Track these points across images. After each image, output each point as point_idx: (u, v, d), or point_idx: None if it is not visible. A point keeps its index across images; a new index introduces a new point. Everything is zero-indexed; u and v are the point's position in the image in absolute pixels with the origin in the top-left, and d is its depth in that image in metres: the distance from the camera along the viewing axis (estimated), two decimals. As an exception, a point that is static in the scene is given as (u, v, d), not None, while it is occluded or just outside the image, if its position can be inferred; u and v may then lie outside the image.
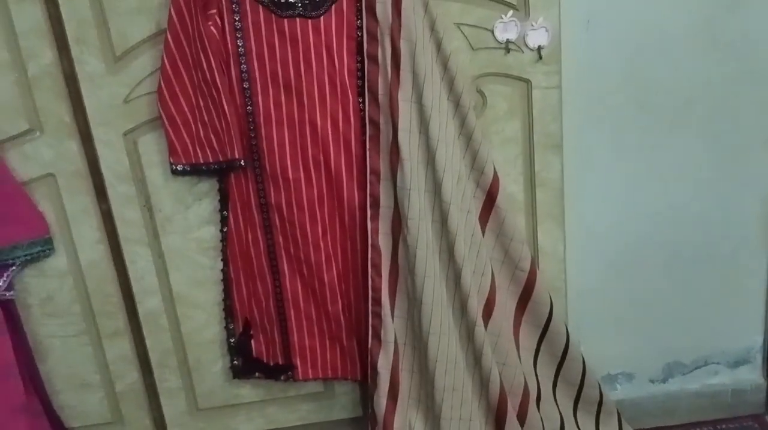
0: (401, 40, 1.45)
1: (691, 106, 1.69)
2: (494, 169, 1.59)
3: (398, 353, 1.61)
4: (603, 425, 1.79)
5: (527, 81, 1.61)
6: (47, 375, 1.72)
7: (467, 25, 1.55)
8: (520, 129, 1.65)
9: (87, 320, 1.71)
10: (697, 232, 1.80)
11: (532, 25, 1.56)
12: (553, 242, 1.73)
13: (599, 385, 1.78)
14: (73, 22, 1.47)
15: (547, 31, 1.56)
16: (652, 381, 1.93)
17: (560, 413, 1.76)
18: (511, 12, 1.55)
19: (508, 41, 1.57)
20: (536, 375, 1.74)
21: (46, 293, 1.67)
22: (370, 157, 1.53)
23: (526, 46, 1.57)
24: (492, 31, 1.56)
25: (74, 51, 1.49)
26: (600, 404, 1.78)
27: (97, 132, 1.56)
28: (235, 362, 1.74)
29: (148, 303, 1.70)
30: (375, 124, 1.51)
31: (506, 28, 1.56)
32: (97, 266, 1.66)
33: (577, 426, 1.77)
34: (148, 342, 1.74)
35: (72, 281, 1.67)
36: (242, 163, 1.51)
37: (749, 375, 1.93)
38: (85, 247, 1.64)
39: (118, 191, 1.61)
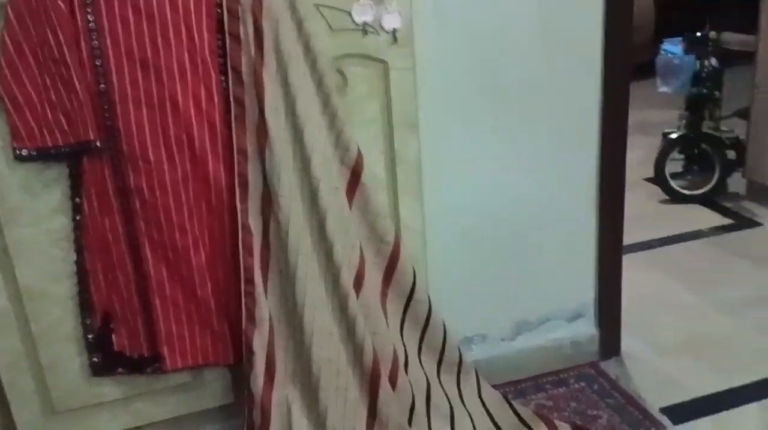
0: (263, 19, 1.46)
1: (530, 90, 1.86)
2: (358, 148, 1.65)
3: (273, 332, 1.62)
4: (463, 383, 1.92)
5: (384, 62, 1.68)
6: None
7: (326, 6, 1.59)
8: (380, 109, 1.72)
9: None
10: (537, 203, 1.99)
11: (387, 9, 1.63)
12: (413, 216, 1.83)
13: (458, 348, 1.91)
14: None
15: (400, 14, 1.64)
16: (503, 340, 2.10)
17: (426, 376, 1.86)
18: (367, -5, 1.61)
19: (365, 23, 1.63)
20: (403, 342, 1.83)
21: None
22: (236, 136, 1.52)
23: (382, 28, 1.65)
24: (350, 13, 1.61)
25: None
26: (460, 364, 1.91)
27: (-75, 116, 1.41)
28: (95, 358, 1.66)
29: (-7, 303, 1.57)
30: (240, 103, 1.51)
31: (363, 11, 1.62)
32: (-71, 266, 1.51)
33: (441, 387, 1.89)
34: (-5, 345, 1.60)
35: None
36: (98, 143, 1.44)
37: (584, 328, 2.16)
38: None
39: (-47, 181, 1.46)
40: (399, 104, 1.72)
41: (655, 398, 2.00)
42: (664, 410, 1.95)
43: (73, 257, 1.58)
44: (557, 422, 1.88)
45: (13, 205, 1.52)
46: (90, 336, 1.63)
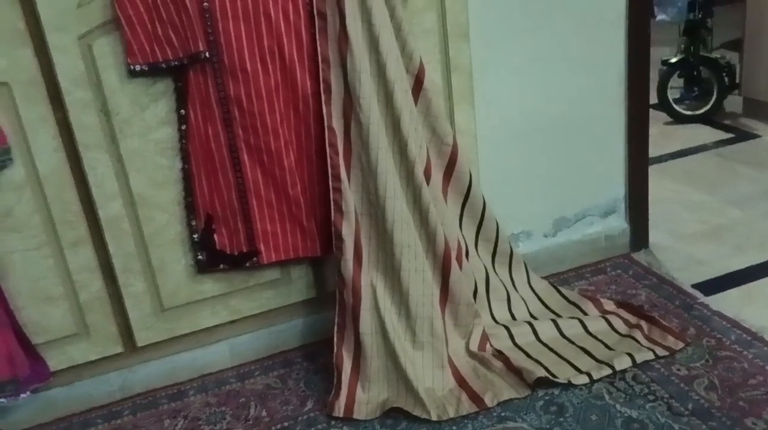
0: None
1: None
2: (420, 58, 1.85)
3: (358, 222, 1.83)
4: (515, 273, 2.16)
5: (444, -23, 1.87)
6: (9, 293, 1.72)
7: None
8: (436, 21, 1.91)
9: (47, 231, 1.73)
10: (571, 103, 2.20)
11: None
12: (467, 120, 2.04)
13: (509, 241, 2.14)
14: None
15: None
16: (545, 236, 2.33)
17: (484, 265, 2.09)
18: None
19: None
20: (462, 235, 2.05)
21: (5, 208, 1.67)
22: (320, 46, 1.71)
23: None
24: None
25: (26, -45, 1.51)
26: (511, 256, 2.14)
27: (51, 38, 1.59)
28: (200, 257, 1.86)
29: (110, 208, 1.76)
30: (322, 16, 1.70)
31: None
32: (55, 175, 1.69)
33: (497, 275, 2.12)
34: (111, 248, 1.79)
35: (30, 192, 1.69)
36: (207, 54, 1.63)
37: (617, 222, 2.40)
38: (43, 156, 1.67)
39: (75, 97, 1.65)
40: (452, 15, 1.91)
41: (686, 277, 2.24)
42: (696, 286, 2.19)
43: (179, 164, 1.77)
44: (602, 300, 2.12)
45: (124, 118, 1.71)
46: (195, 236, 1.83)
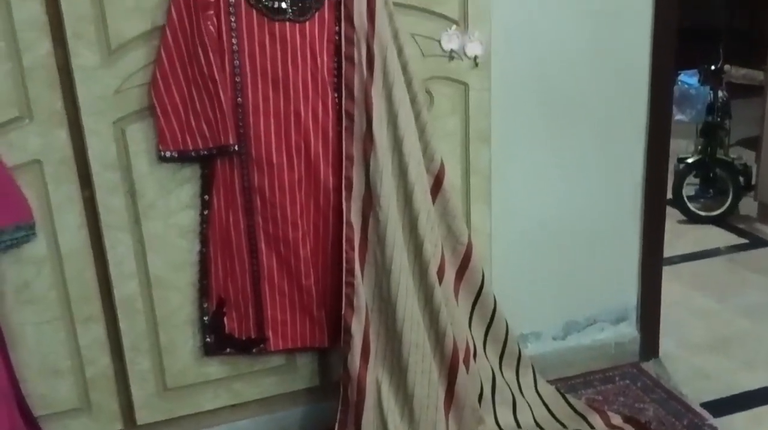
0: (374, 45, 1.71)
1: (581, 104, 2.12)
2: (441, 158, 1.90)
3: (368, 318, 1.84)
4: (522, 376, 2.14)
5: (465, 84, 1.93)
6: (17, 363, 1.73)
7: (420, 35, 1.85)
8: (459, 125, 1.97)
9: (62, 305, 1.75)
10: (586, 209, 2.23)
11: (470, 38, 1.89)
12: (483, 220, 2.06)
13: (518, 343, 2.13)
14: (72, 18, 1.56)
15: (481, 43, 1.90)
16: (554, 338, 2.32)
17: (491, 366, 2.08)
18: (454, 26, 1.87)
19: (451, 50, 1.88)
20: (471, 335, 2.05)
21: (23, 280, 1.70)
22: (345, 144, 1.76)
23: (465, 54, 1.90)
24: (439, 42, 1.87)
25: (71, 44, 1.58)
26: (519, 358, 2.13)
27: (87, 121, 1.64)
28: (208, 339, 1.87)
29: (126, 287, 1.78)
30: (350, 116, 1.75)
31: (450, 40, 1.87)
32: (76, 252, 1.73)
33: (504, 377, 2.10)
34: (123, 326, 1.81)
35: (50, 268, 1.71)
36: (236, 147, 1.68)
37: (627, 330, 2.39)
38: (66, 233, 1.70)
39: (103, 178, 1.69)
40: (475, 120, 1.97)
41: (695, 394, 2.21)
42: (704, 405, 2.16)
43: (197, 247, 1.80)
44: (609, 413, 2.10)
45: (150, 201, 1.75)
46: (205, 319, 1.85)
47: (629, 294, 2.36)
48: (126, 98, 1.66)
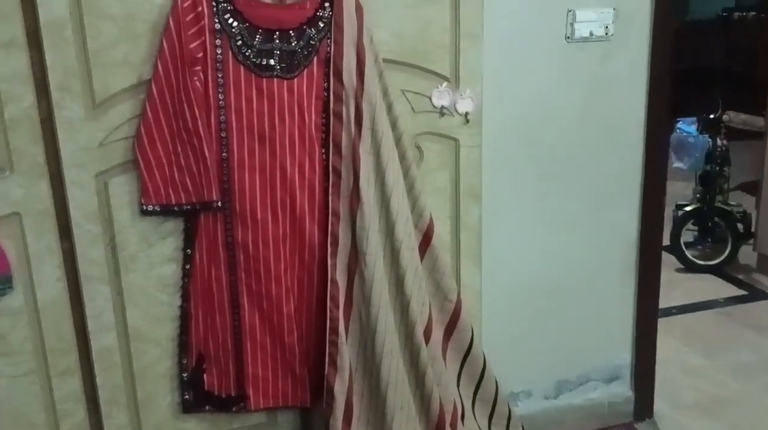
0: (363, 102, 1.69)
1: (573, 161, 2.10)
2: (430, 214, 1.87)
3: (351, 378, 1.79)
4: (511, 437, 2.08)
5: (456, 140, 1.91)
6: (-11, 418, 1.69)
7: (411, 91, 1.83)
8: (449, 180, 1.94)
9: (38, 358, 1.71)
10: (579, 266, 2.19)
11: (461, 95, 1.87)
12: (472, 277, 2.03)
13: (508, 402, 2.08)
14: (57, 71, 1.55)
15: (472, 100, 1.88)
16: (546, 397, 2.27)
17: (479, 428, 2.02)
18: (445, 83, 1.85)
19: (442, 107, 1.87)
20: (459, 394, 2.00)
21: (-2, 333, 1.66)
22: (332, 201, 1.73)
23: (456, 111, 1.88)
24: (430, 98, 1.85)
25: (55, 97, 1.56)
26: (509, 418, 2.07)
27: (69, 173, 1.62)
28: (186, 396, 1.82)
29: (103, 340, 1.74)
30: (337, 173, 1.73)
31: (441, 96, 1.86)
32: (54, 304, 1.69)
33: (492, 438, 2.05)
34: (99, 379, 1.76)
35: (26, 320, 1.67)
36: (219, 203, 1.65)
37: (621, 389, 2.34)
38: (44, 285, 1.67)
39: (84, 230, 1.66)
40: (466, 176, 1.94)
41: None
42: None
43: (178, 301, 1.76)
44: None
45: (131, 253, 1.71)
46: (184, 375, 1.80)
47: (623, 352, 2.32)
48: (110, 151, 1.64)
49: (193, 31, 1.58)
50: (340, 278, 1.78)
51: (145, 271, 1.74)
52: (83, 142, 1.61)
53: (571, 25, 1.96)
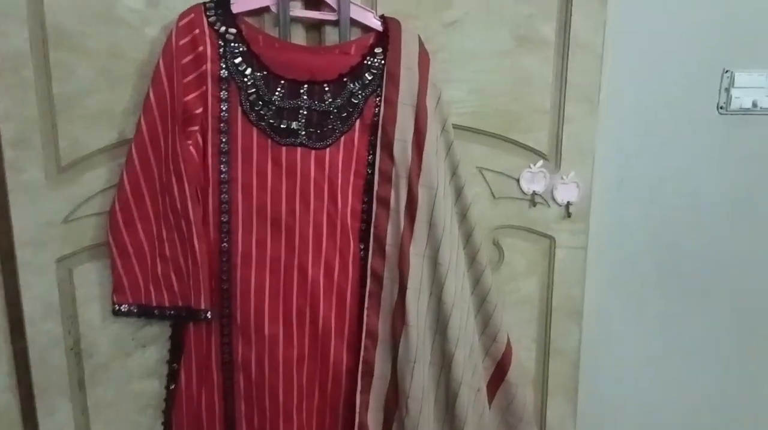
0: (419, 186, 1.21)
1: (720, 278, 1.51)
2: (507, 337, 1.35)
3: None
4: None
5: (551, 238, 1.39)
6: None
7: (491, 170, 1.34)
8: (538, 290, 1.42)
9: (-25, 487, 1.31)
10: (720, 418, 1.59)
11: (563, 179, 1.35)
12: (564, 421, 1.48)
13: None
14: (13, 121, 1.16)
15: (578, 186, 1.36)
16: None
17: None
18: (540, 162, 1.35)
19: (534, 193, 1.36)
20: None
21: (-75, 453, 1.28)
22: (368, 316, 1.25)
23: (554, 200, 1.37)
24: (518, 181, 1.35)
25: (8, 156, 1.18)
26: None
27: (24, 255, 1.23)
28: None
29: (60, 468, 1.33)
30: (377, 278, 1.24)
31: (534, 179, 1.35)
32: (1, 417, 1.29)
33: None
34: None
35: (-37, 438, 1.29)
36: (208, 315, 1.20)
37: None
38: (-13, 395, 1.28)
39: (41, 330, 1.26)
40: (562, 286, 1.42)
41: None
42: None
43: (159, 428, 1.33)
44: None
45: (100, 362, 1.30)
46: None
47: None
48: (77, 229, 1.24)
49: (190, 78, 1.16)
50: (373, 418, 1.29)
51: (119, 385, 1.32)
52: (43, 217, 1.22)
53: (727, 91, 1.40)
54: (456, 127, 1.27)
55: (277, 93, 1.17)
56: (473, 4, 1.26)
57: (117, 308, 1.24)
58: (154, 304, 1.23)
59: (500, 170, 1.34)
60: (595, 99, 1.32)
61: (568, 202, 1.37)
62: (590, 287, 1.44)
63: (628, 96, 1.39)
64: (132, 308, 1.24)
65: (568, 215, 1.37)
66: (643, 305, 1.50)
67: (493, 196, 1.35)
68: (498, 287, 1.36)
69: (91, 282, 1.26)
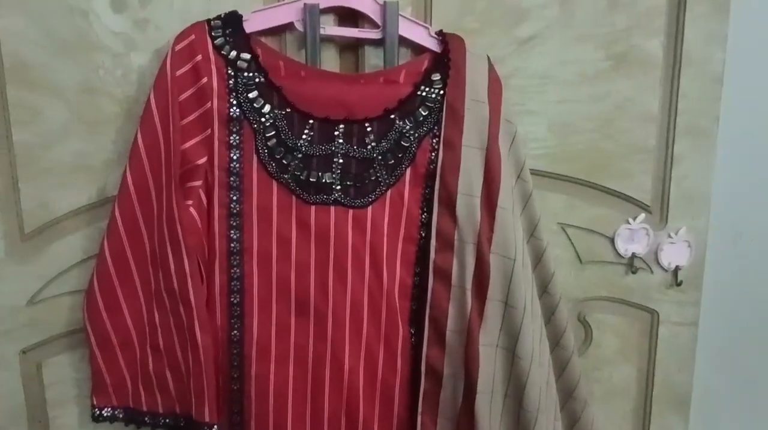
0: (492, 254, 0.91)
1: None
2: (597, 438, 1.04)
3: None
4: None
5: (653, 312, 1.09)
6: None
7: (576, 227, 1.04)
8: (635, 377, 1.12)
9: None
10: None
11: (671, 236, 1.05)
12: None
13: None
14: (-38, 178, 0.90)
15: (689, 245, 1.06)
16: None
17: None
18: (642, 216, 1.05)
19: (633, 255, 1.06)
20: None
21: None
22: (422, 423, 0.96)
23: (658, 264, 1.07)
24: (612, 240, 1.05)
25: (-43, 223, 0.91)
26: None
27: (-21, 346, 0.95)
28: None
29: None
30: (436, 376, 0.95)
31: (633, 237, 1.05)
32: None
33: None
34: None
35: None
36: (215, 429, 0.91)
37: None
38: None
39: (3, 438, 0.99)
40: (666, 372, 1.12)
41: None
42: None
43: None
44: None
45: (80, 478, 1.02)
46: None
47: None
48: (46, 313, 0.97)
49: (191, 119, 0.88)
50: None
51: None
52: (3, 298, 0.95)
53: None
54: (533, 173, 0.98)
55: (304, 136, 0.89)
56: (555, 14, 0.98)
57: (98, 412, 0.96)
58: (145, 409, 0.96)
59: (588, 227, 1.04)
60: (713, 133, 1.03)
61: (677, 266, 1.07)
62: (700, 372, 1.14)
63: (750, 130, 1.09)
64: (117, 412, 0.96)
65: (677, 282, 1.07)
66: (763, 395, 1.19)
67: (579, 260, 1.06)
68: (586, 374, 1.07)
69: (64, 380, 0.99)
